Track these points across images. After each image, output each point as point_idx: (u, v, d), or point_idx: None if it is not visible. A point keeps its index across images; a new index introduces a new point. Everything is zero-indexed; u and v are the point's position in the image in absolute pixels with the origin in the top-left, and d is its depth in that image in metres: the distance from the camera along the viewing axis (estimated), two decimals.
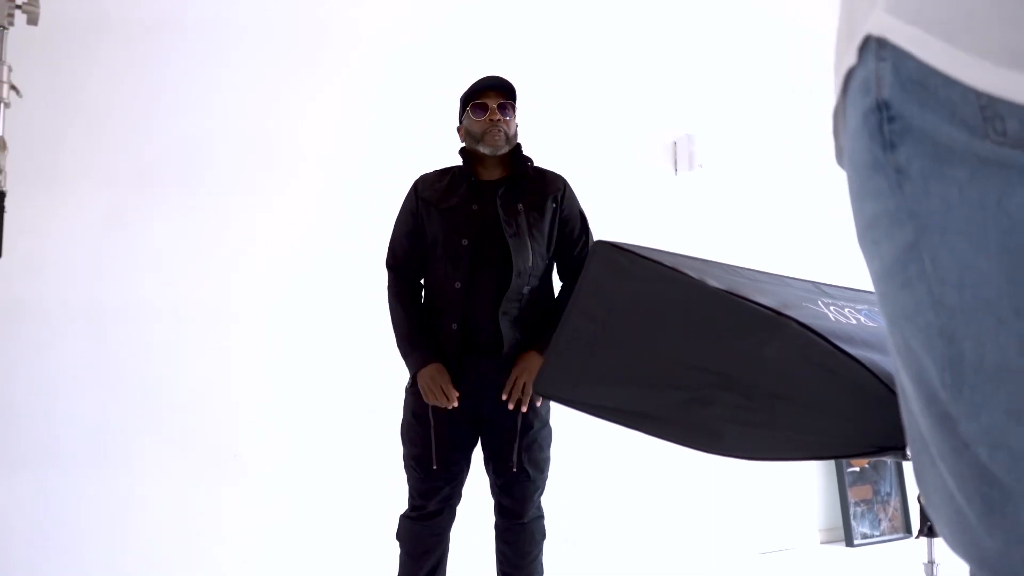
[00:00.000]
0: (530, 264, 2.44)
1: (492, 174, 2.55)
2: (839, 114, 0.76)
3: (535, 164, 2.61)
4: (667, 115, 4.24)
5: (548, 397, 1.83)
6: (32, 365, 3.03)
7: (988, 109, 0.61)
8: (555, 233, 2.54)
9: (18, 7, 1.56)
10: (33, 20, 1.57)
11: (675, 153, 4.24)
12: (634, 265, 1.60)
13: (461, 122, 2.60)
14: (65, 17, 3.05)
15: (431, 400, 2.40)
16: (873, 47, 0.69)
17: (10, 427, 2.97)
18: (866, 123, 0.69)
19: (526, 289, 2.44)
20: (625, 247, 1.63)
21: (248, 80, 3.45)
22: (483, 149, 2.50)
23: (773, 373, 1.59)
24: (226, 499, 3.27)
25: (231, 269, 3.36)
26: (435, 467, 2.42)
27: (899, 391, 0.72)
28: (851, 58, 0.72)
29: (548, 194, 2.54)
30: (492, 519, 2.56)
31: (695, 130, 4.23)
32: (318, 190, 3.53)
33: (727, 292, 1.58)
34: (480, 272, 2.43)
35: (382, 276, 2.61)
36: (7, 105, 1.56)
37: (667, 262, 1.59)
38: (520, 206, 2.48)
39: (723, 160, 4.28)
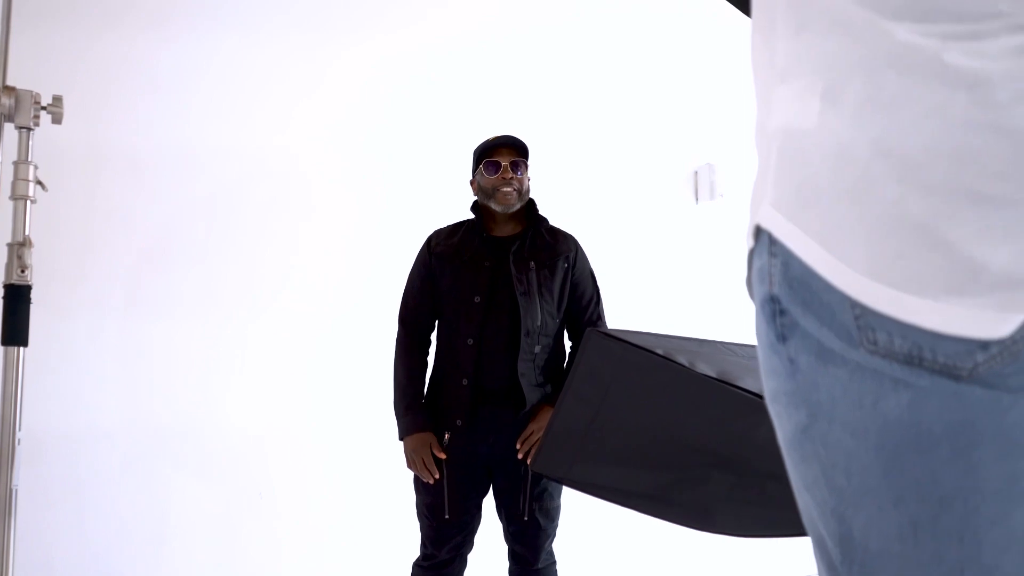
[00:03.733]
0: (539, 323, 2.48)
1: (504, 230, 2.60)
2: (748, 284, 0.82)
3: (549, 224, 2.66)
4: (687, 144, 4.26)
5: (545, 475, 1.89)
6: (65, 406, 3.16)
7: (861, 319, 0.66)
8: (566, 294, 2.58)
9: (43, 108, 1.66)
10: (58, 120, 1.66)
11: (696, 182, 4.27)
12: (627, 353, 1.66)
13: (474, 177, 2.66)
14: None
15: (414, 470, 2.51)
16: (765, 239, 0.75)
17: (45, 466, 3.10)
18: (763, 310, 0.76)
19: (537, 348, 2.49)
20: (617, 336, 1.69)
21: (253, 145, 3.55)
22: (495, 206, 2.55)
23: (764, 453, 1.64)
24: (251, 537, 3.38)
25: (253, 317, 3.47)
26: (447, 516, 2.50)
27: (812, 544, 0.78)
28: (750, 240, 0.79)
29: (560, 254, 2.58)
30: (505, 564, 2.63)
31: (716, 159, 4.25)
32: (337, 232, 3.62)
33: (717, 380, 1.63)
34: (492, 329, 2.47)
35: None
36: (33, 202, 1.65)
37: (659, 350, 1.65)
38: (532, 264, 2.52)
39: (744, 189, 4.28)
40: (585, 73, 4.08)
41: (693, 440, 1.67)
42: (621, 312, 3.31)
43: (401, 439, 2.53)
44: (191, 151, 3.45)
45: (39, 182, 1.67)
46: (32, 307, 1.74)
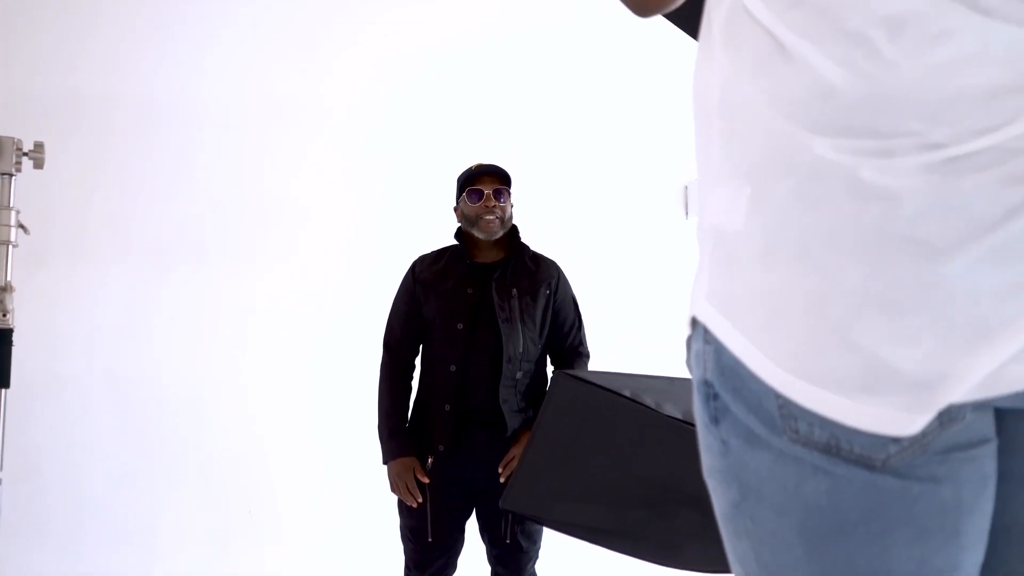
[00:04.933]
0: (521, 350, 2.53)
1: (488, 256, 2.64)
2: (687, 365, 0.87)
3: (532, 250, 2.71)
4: (678, 159, 4.29)
5: (516, 512, 1.92)
6: (58, 429, 3.21)
7: (784, 409, 0.71)
8: (548, 321, 2.63)
9: (25, 154, 1.69)
10: (39, 165, 1.70)
11: (686, 197, 4.29)
12: (594, 396, 1.69)
13: (457, 204, 2.70)
14: (82, 96, 3.22)
15: (397, 493, 2.54)
16: (701, 329, 0.80)
17: (38, 482, 3.14)
18: (699, 392, 0.81)
19: (519, 375, 2.53)
20: (585, 379, 1.72)
21: (253, 149, 3.59)
22: (478, 234, 2.59)
23: None
24: (243, 553, 3.42)
25: (253, 318, 3.50)
26: (430, 539, 2.53)
27: None
28: (688, 328, 0.84)
29: (542, 281, 2.62)
30: None
31: None
32: (325, 248, 3.66)
33: (683, 421, 1.66)
34: (474, 355, 2.51)
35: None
36: (15, 246, 1.69)
37: (626, 391, 1.68)
38: (514, 291, 2.57)
39: None
40: (574, 88, 4.11)
41: (661, 479, 1.70)
42: (612, 328, 3.34)
43: (385, 463, 2.57)
44: (191, 152, 3.49)
45: (21, 226, 1.71)
46: (23, 317, 1.77)
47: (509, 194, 2.64)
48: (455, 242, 2.70)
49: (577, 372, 1.78)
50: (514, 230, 2.69)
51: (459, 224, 2.70)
